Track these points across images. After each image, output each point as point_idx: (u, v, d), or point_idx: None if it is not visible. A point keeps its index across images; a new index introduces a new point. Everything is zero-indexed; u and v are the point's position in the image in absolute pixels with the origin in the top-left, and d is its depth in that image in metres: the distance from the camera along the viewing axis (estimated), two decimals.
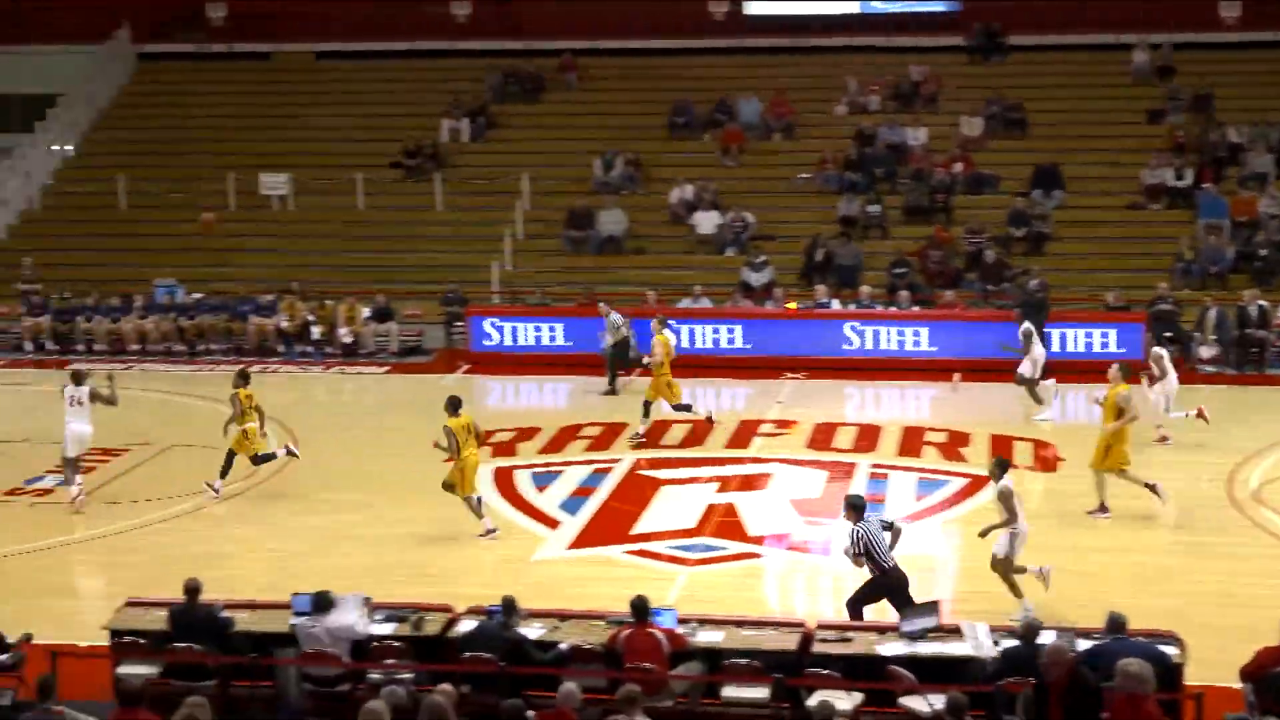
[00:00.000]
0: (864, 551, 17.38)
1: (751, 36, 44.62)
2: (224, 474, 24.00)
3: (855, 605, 17.55)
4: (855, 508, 17.71)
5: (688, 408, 27.35)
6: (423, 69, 45.48)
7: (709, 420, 27.56)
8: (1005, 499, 18.57)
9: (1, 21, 46.82)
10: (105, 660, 16.70)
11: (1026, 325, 28.95)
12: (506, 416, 28.80)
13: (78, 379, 24.01)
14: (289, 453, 24.61)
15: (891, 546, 17.57)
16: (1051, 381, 28.50)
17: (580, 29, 45.16)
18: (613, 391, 30.48)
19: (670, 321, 29.36)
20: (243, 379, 24.32)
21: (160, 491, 24.49)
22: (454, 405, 22.19)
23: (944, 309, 33.57)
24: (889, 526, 17.80)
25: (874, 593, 17.57)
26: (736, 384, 31.35)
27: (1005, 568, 18.70)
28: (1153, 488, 22.44)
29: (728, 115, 41.75)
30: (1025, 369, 28.55)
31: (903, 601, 17.10)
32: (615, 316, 30.74)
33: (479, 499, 22.29)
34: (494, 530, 22.00)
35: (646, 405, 27.09)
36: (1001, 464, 19.04)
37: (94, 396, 23.80)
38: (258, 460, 24.17)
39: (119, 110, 46.02)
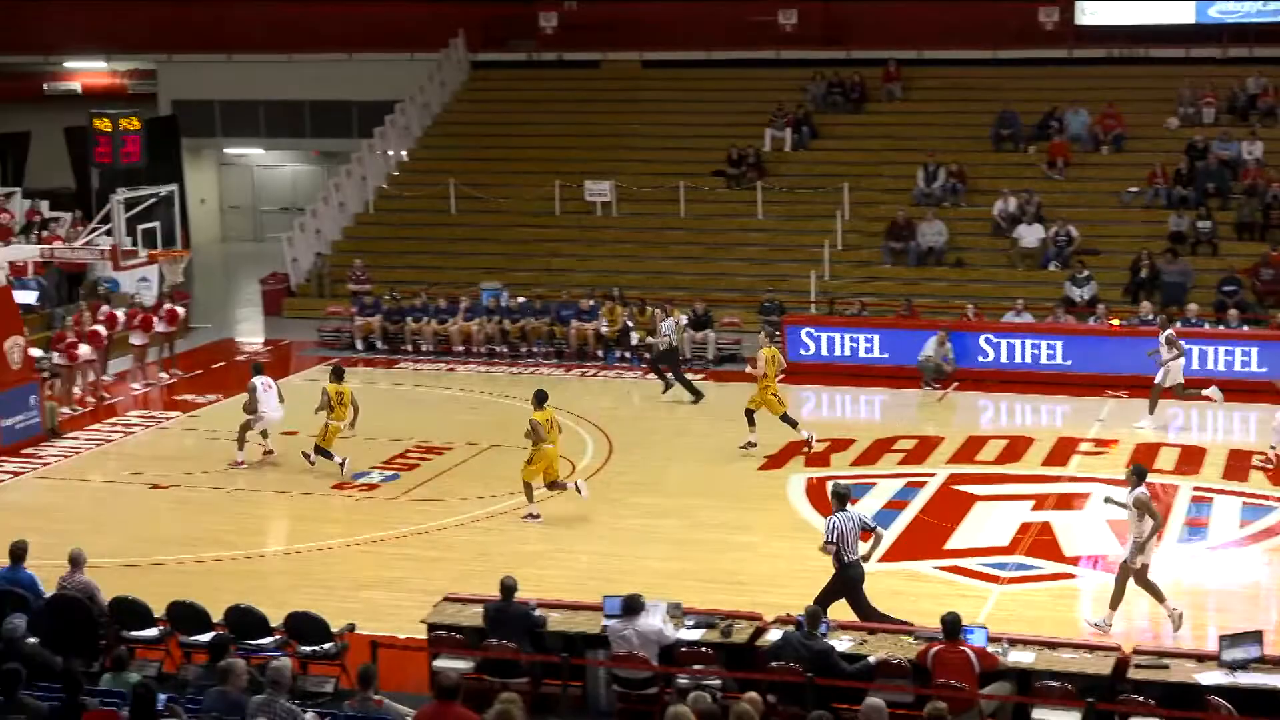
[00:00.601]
0: (835, 541, 17.86)
1: (1081, 47, 43.81)
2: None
3: (823, 603, 17.55)
4: (839, 497, 18.38)
5: (793, 423, 27.10)
6: (747, 77, 45.69)
7: (808, 444, 26.91)
8: (1143, 506, 18.47)
9: (343, 30, 48.41)
10: (423, 653, 17.17)
11: (1169, 332, 28.38)
12: (820, 427, 28.71)
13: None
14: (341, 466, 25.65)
15: (872, 550, 18.68)
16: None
17: (906, 39, 44.89)
18: (668, 385, 31.19)
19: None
20: (336, 375, 25.92)
21: (479, 490, 25.05)
22: (540, 399, 23.61)
23: (1275, 329, 32.50)
24: (869, 529, 18.45)
25: (836, 589, 17.92)
26: (1055, 401, 30.80)
27: (1124, 574, 18.68)
28: None
29: (1055, 127, 41.06)
30: (1160, 376, 28.15)
31: (856, 600, 17.79)
32: (669, 323, 31.43)
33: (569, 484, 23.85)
34: (538, 516, 23.38)
35: (749, 414, 27.08)
36: (1139, 471, 18.96)
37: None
38: (319, 451, 25.74)
39: (451, 116, 47.20)
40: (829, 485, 19.08)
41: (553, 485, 23.67)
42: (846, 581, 17.98)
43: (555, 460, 23.57)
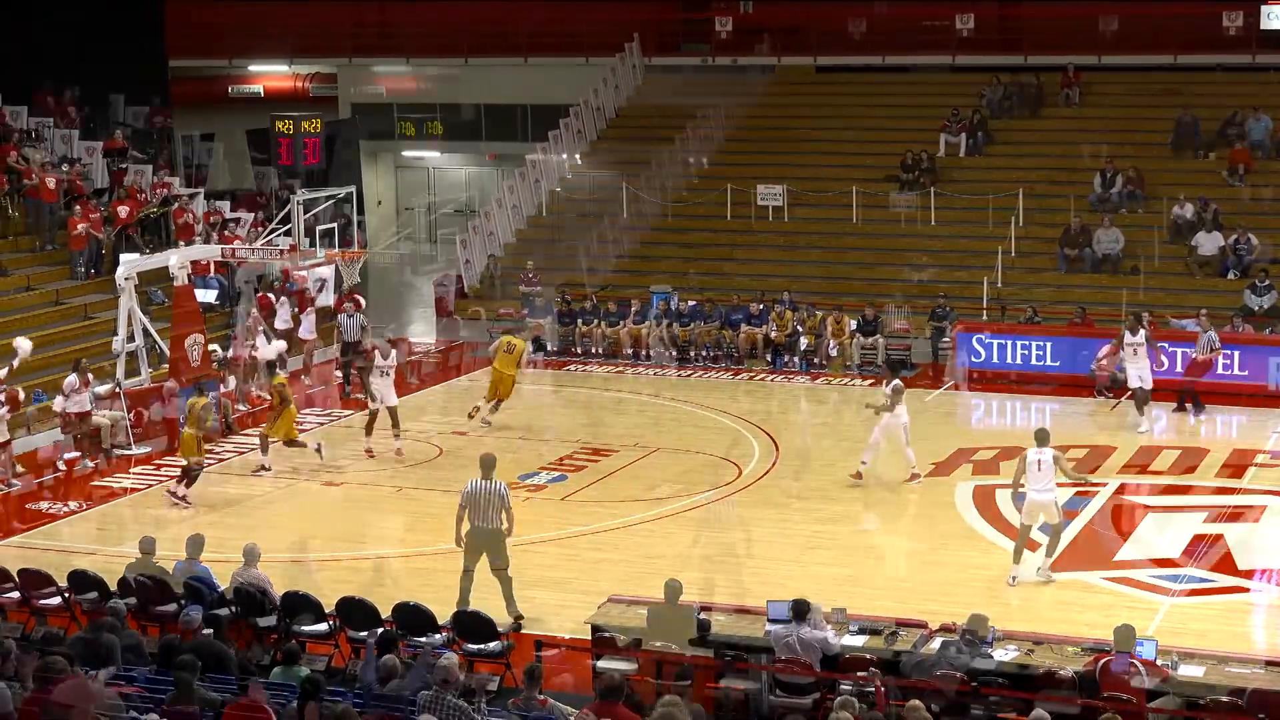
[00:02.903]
0: (465, 504, 19.61)
1: (1265, 52, 42.94)
2: None
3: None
4: (484, 465, 19.90)
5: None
6: (922, 82, 45.40)
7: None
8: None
9: (519, 34, 48.80)
10: (586, 654, 17.28)
11: (1144, 333, 28.95)
12: (989, 435, 28.54)
13: None
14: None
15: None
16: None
17: (1084, 43, 44.29)
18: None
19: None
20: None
21: (645, 493, 25.16)
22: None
23: None
24: (509, 510, 19.81)
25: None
26: (1231, 411, 30.28)
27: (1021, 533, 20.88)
28: None
29: (1237, 133, 40.31)
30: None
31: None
32: (343, 318, 32.67)
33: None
34: (269, 469, 26.55)
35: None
36: (1037, 435, 21.52)
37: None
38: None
39: (624, 120, 47.36)
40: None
41: (291, 443, 26.66)
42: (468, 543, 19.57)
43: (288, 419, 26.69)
